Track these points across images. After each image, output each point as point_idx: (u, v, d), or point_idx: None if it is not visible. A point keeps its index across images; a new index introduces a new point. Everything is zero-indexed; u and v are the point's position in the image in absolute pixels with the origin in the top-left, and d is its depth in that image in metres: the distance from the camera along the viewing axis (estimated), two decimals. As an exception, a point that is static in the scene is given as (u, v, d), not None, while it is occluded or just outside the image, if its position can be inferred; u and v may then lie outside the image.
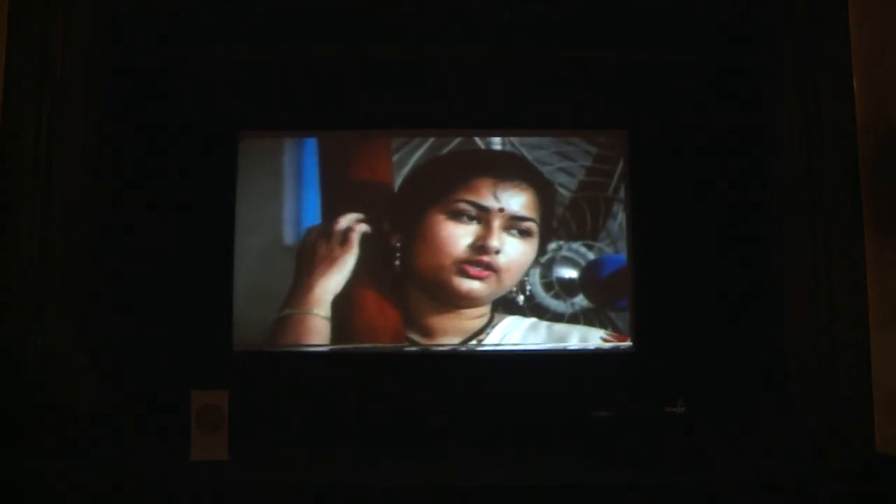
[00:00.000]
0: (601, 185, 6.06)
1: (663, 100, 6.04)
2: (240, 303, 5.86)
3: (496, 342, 5.89)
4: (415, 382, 5.76)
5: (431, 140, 6.05)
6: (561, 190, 6.02)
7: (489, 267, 5.85)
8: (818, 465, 4.60)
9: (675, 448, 4.90)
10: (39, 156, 4.67)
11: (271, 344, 5.85)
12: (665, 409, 5.19)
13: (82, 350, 4.98)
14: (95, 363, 5.08)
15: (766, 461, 4.82)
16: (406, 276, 5.91)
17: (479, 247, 5.85)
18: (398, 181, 6.01)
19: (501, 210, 5.91)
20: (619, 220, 6.03)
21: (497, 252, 5.86)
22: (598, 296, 5.98)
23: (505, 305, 5.92)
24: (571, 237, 6.00)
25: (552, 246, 5.98)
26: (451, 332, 5.89)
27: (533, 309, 5.93)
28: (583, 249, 6.01)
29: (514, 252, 5.91)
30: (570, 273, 5.98)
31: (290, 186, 5.98)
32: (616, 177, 6.06)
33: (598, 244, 6.01)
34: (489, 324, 5.91)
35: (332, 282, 5.87)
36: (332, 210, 5.94)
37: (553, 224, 5.99)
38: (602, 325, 5.96)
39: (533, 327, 5.93)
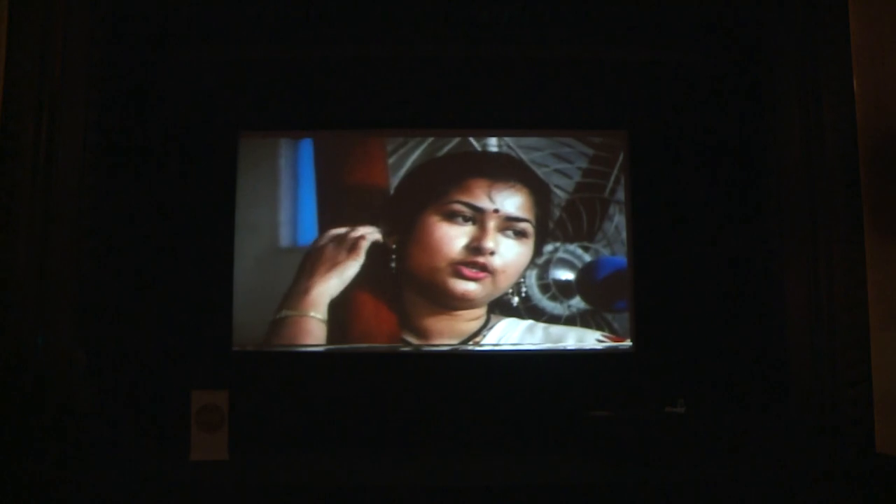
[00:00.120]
0: (597, 186, 6.06)
1: (663, 101, 6.05)
2: (239, 303, 5.86)
3: (493, 344, 5.88)
4: (413, 383, 5.77)
5: (427, 143, 6.06)
6: (557, 191, 6.02)
7: (484, 268, 5.85)
8: (818, 465, 4.59)
9: (675, 448, 4.90)
10: (39, 156, 4.67)
11: (268, 344, 5.86)
12: (665, 409, 5.20)
13: (82, 350, 4.98)
14: (95, 363, 5.09)
15: (765, 461, 4.82)
16: (402, 277, 5.91)
17: (474, 248, 5.85)
18: (394, 184, 6.02)
19: (496, 211, 5.91)
20: (615, 221, 6.03)
21: (492, 253, 5.85)
22: (594, 297, 5.98)
23: (501, 307, 5.92)
24: (568, 239, 6.00)
25: (548, 248, 5.98)
26: (448, 333, 5.89)
27: (529, 311, 5.93)
28: (579, 251, 6.01)
29: (509, 253, 5.91)
30: (566, 275, 5.98)
31: (288, 188, 5.99)
32: (612, 178, 6.06)
33: (594, 246, 6.01)
34: (485, 326, 5.91)
35: (330, 285, 5.87)
36: (328, 213, 5.95)
37: (549, 226, 6.00)
38: (598, 327, 5.96)
39: (529, 329, 5.92)
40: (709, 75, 6.00)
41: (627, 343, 5.94)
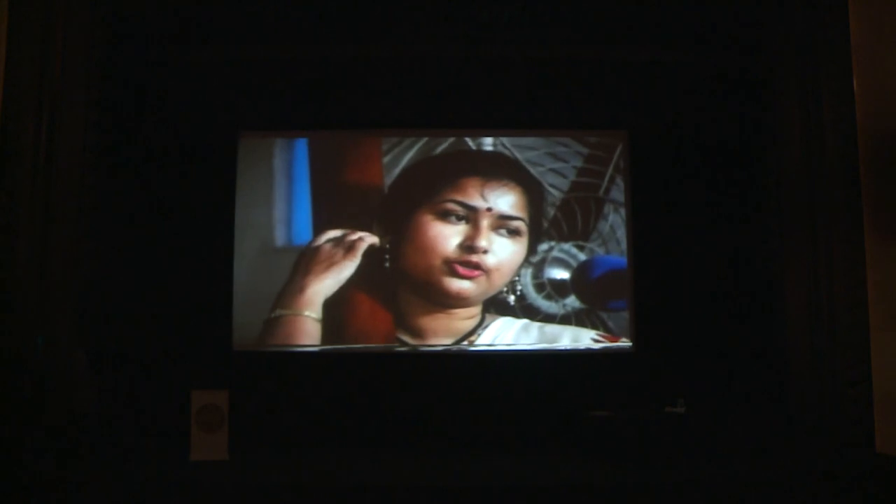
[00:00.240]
0: (592, 185, 6.07)
1: (663, 101, 6.05)
2: (239, 304, 5.86)
3: (488, 343, 5.89)
4: (412, 383, 5.77)
5: (422, 141, 6.06)
6: (552, 191, 6.03)
7: (478, 266, 5.85)
8: (818, 465, 4.59)
9: (675, 448, 4.90)
10: (39, 156, 4.67)
11: (262, 344, 5.85)
12: (665, 409, 5.20)
13: (82, 350, 4.98)
14: (95, 363, 5.09)
15: (765, 461, 4.82)
16: (396, 277, 5.91)
17: (468, 246, 5.86)
18: (388, 182, 6.02)
19: (489, 209, 5.91)
20: (610, 220, 6.04)
21: (485, 252, 5.86)
22: (589, 296, 5.99)
23: (496, 306, 5.92)
24: (563, 238, 6.00)
25: (543, 247, 5.99)
26: (442, 332, 5.89)
27: (524, 310, 5.93)
28: (574, 250, 6.01)
29: (503, 251, 5.91)
30: (561, 274, 5.98)
31: (284, 188, 5.99)
32: (607, 178, 6.06)
33: (589, 245, 6.02)
34: (480, 325, 5.91)
35: (326, 285, 5.87)
36: (323, 212, 5.95)
37: (544, 224, 6.00)
38: (594, 326, 5.96)
39: (525, 328, 5.93)
40: (709, 75, 6.00)
41: (623, 342, 5.94)
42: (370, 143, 6.07)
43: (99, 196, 5.26)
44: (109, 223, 5.43)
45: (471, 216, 5.91)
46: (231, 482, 4.44)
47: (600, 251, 6.02)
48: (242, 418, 5.20)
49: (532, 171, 6.02)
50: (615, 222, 6.03)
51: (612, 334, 5.94)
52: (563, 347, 5.91)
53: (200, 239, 5.82)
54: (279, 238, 5.94)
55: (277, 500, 4.26)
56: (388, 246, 5.92)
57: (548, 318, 5.94)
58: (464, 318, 5.90)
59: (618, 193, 6.06)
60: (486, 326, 5.91)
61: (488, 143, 6.09)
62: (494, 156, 6.07)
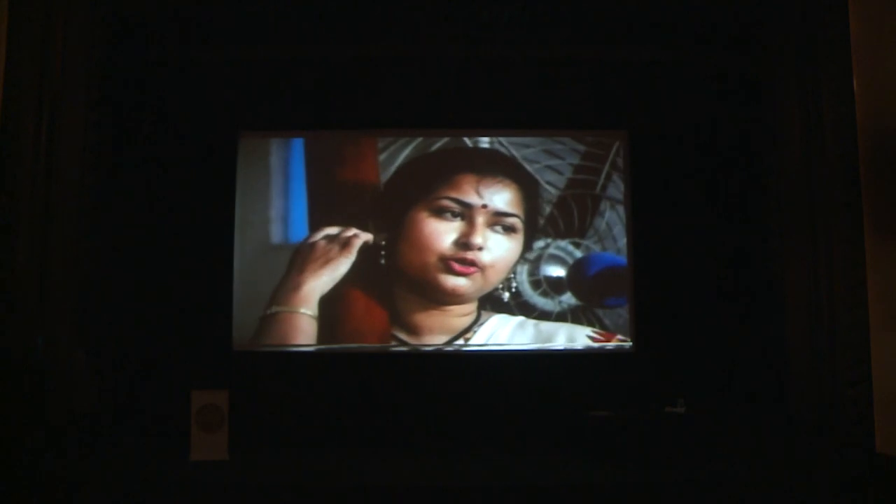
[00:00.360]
0: (589, 183, 6.06)
1: (663, 101, 6.05)
2: (239, 303, 5.86)
3: (483, 340, 5.89)
4: (412, 382, 5.77)
5: (418, 140, 6.05)
6: (549, 188, 6.03)
7: (473, 263, 5.85)
8: (818, 465, 4.59)
9: (675, 448, 4.90)
10: (39, 156, 4.67)
11: (258, 342, 5.85)
12: (665, 409, 5.20)
13: (82, 350, 4.98)
14: (95, 363, 5.09)
15: (765, 461, 4.82)
16: (392, 274, 5.91)
17: (463, 243, 5.86)
18: (384, 180, 6.02)
19: (485, 206, 5.91)
20: (606, 218, 6.04)
21: (481, 248, 5.86)
22: (585, 294, 5.98)
23: (492, 303, 5.92)
24: (559, 235, 6.01)
25: (539, 244, 5.99)
26: (438, 329, 5.89)
27: (520, 307, 5.94)
28: (570, 247, 6.01)
29: (498, 248, 5.91)
30: (557, 271, 5.98)
31: (280, 185, 5.99)
32: (603, 175, 6.07)
33: (585, 242, 6.02)
34: (476, 322, 5.91)
35: (322, 282, 5.87)
36: (319, 209, 5.95)
37: (540, 221, 6.00)
38: (590, 323, 5.96)
39: (520, 325, 5.93)
40: (709, 75, 6.00)
41: (619, 339, 5.93)
42: (366, 141, 6.07)
43: (99, 196, 5.26)
44: (109, 223, 5.44)
45: (466, 213, 5.92)
46: (231, 482, 4.44)
47: (597, 248, 6.02)
48: (242, 418, 5.20)
49: (528, 167, 6.02)
50: (612, 219, 6.03)
51: (608, 331, 5.95)
52: (563, 347, 5.91)
53: (200, 239, 5.82)
54: (276, 236, 5.94)
55: (277, 500, 4.26)
56: (383, 243, 5.92)
57: (544, 315, 5.94)
58: (459, 315, 5.90)
59: (614, 190, 6.06)
60: (481, 323, 5.91)
61: (484, 140, 6.09)
62: (490, 153, 6.08)
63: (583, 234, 6.02)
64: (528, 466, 4.92)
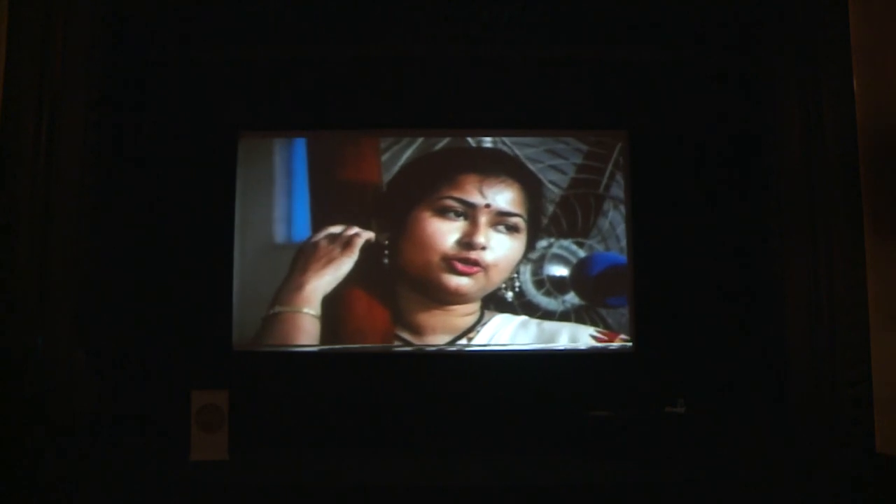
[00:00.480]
0: (592, 182, 6.07)
1: (663, 101, 6.05)
2: (239, 303, 5.86)
3: (486, 340, 5.90)
4: (413, 382, 5.77)
5: (420, 140, 6.06)
6: (552, 187, 6.03)
7: (476, 263, 5.86)
8: (818, 465, 4.59)
9: (675, 448, 4.90)
10: (39, 156, 4.67)
11: (260, 342, 5.85)
12: (665, 409, 5.20)
13: (82, 350, 4.98)
14: (95, 363, 5.09)
15: (765, 461, 4.82)
16: (395, 273, 5.92)
17: (466, 243, 5.86)
18: (386, 180, 6.02)
19: (488, 206, 5.92)
20: (609, 217, 6.04)
21: (484, 248, 5.87)
22: (588, 293, 5.99)
23: (495, 303, 5.92)
24: (562, 235, 6.01)
25: (543, 244, 5.99)
26: (441, 329, 5.89)
27: (523, 306, 5.94)
28: (573, 247, 6.02)
29: (501, 248, 5.92)
30: (560, 270, 5.99)
31: (282, 185, 6.00)
32: (606, 174, 6.07)
33: (588, 242, 6.03)
34: (479, 321, 5.92)
35: (324, 281, 5.88)
36: (322, 209, 5.95)
37: (542, 220, 6.01)
38: (593, 323, 5.96)
39: (523, 325, 5.93)
40: (709, 75, 6.00)
41: (622, 338, 5.94)
42: (367, 141, 6.07)
43: (99, 196, 5.26)
44: (109, 223, 5.44)
45: (469, 213, 5.92)
46: (231, 482, 4.44)
47: (600, 248, 6.03)
48: (242, 418, 5.20)
49: (531, 167, 6.03)
50: (615, 219, 6.03)
51: (611, 331, 5.95)
52: (563, 347, 5.91)
53: (200, 239, 5.82)
54: (279, 236, 5.94)
55: (277, 500, 4.26)
56: (386, 242, 5.93)
57: (547, 315, 5.94)
58: (462, 315, 5.91)
59: (618, 190, 6.06)
60: (484, 323, 5.91)
61: (487, 140, 6.10)
62: (493, 152, 6.08)
63: (586, 234, 6.03)
64: (528, 466, 4.92)
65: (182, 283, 5.72)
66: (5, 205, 4.51)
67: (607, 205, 6.05)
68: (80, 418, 4.84)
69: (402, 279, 5.91)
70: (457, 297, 5.87)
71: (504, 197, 5.97)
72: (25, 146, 4.60)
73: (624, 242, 6.02)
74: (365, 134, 6.09)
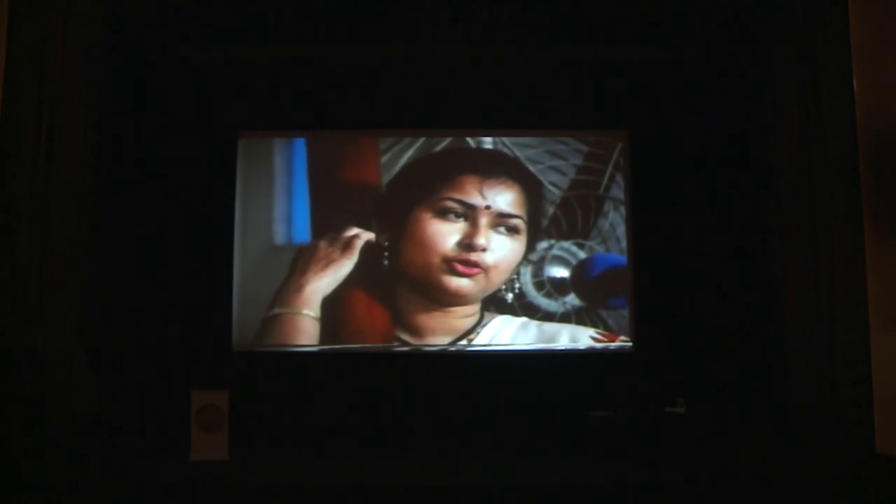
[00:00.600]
0: (592, 183, 6.07)
1: (663, 101, 6.05)
2: (239, 303, 5.87)
3: (486, 341, 5.90)
4: (413, 382, 5.77)
5: (420, 141, 6.07)
6: (552, 188, 6.04)
7: (477, 264, 5.86)
8: (818, 465, 4.59)
9: (675, 448, 4.90)
10: (39, 156, 4.67)
11: (260, 343, 5.86)
12: (665, 409, 5.20)
13: (82, 350, 4.98)
14: (95, 363, 5.09)
15: (765, 461, 4.82)
16: (395, 275, 5.92)
17: (466, 244, 5.87)
18: (386, 181, 6.03)
19: (488, 207, 5.92)
20: (610, 218, 6.05)
21: (484, 249, 5.87)
22: (589, 294, 6.00)
23: (495, 304, 5.93)
24: (562, 236, 6.01)
25: (543, 245, 6.00)
26: (441, 330, 5.89)
27: (523, 308, 5.94)
28: (574, 248, 6.02)
29: (501, 249, 5.92)
30: (561, 272, 5.99)
31: (282, 186, 6.00)
32: (607, 175, 6.07)
33: (589, 243, 6.03)
34: (479, 323, 5.92)
35: (324, 283, 5.88)
36: (321, 210, 5.96)
37: (542, 222, 6.01)
38: (593, 324, 5.97)
39: (523, 326, 5.93)
40: (708, 75, 6.00)
41: (622, 340, 5.94)
42: (367, 141, 6.08)
43: (99, 196, 5.26)
44: (109, 223, 5.43)
45: (469, 214, 5.92)
46: (231, 482, 4.44)
47: (600, 249, 6.03)
48: (242, 418, 5.20)
49: (531, 168, 6.03)
50: (615, 220, 6.04)
51: (611, 332, 5.95)
52: (563, 347, 5.91)
53: (200, 239, 5.83)
54: (279, 236, 5.95)
55: (277, 500, 4.26)
56: (386, 243, 5.93)
57: (547, 317, 5.94)
58: (462, 317, 5.91)
59: (618, 191, 6.07)
60: (484, 324, 5.91)
61: (487, 140, 6.11)
62: (493, 153, 6.08)
63: (586, 235, 6.03)
64: (528, 466, 4.92)
65: (182, 284, 5.72)
66: (5, 205, 4.51)
67: (607, 206, 6.05)
68: (80, 418, 4.84)
69: (401, 280, 5.91)
70: (457, 299, 5.87)
71: (504, 198, 5.97)
72: (25, 146, 4.60)
73: (624, 244, 6.02)
74: (365, 134, 6.10)
